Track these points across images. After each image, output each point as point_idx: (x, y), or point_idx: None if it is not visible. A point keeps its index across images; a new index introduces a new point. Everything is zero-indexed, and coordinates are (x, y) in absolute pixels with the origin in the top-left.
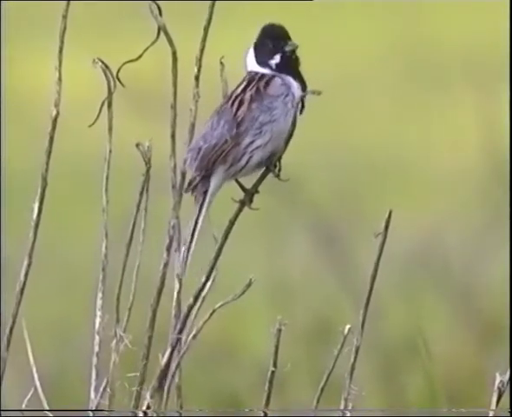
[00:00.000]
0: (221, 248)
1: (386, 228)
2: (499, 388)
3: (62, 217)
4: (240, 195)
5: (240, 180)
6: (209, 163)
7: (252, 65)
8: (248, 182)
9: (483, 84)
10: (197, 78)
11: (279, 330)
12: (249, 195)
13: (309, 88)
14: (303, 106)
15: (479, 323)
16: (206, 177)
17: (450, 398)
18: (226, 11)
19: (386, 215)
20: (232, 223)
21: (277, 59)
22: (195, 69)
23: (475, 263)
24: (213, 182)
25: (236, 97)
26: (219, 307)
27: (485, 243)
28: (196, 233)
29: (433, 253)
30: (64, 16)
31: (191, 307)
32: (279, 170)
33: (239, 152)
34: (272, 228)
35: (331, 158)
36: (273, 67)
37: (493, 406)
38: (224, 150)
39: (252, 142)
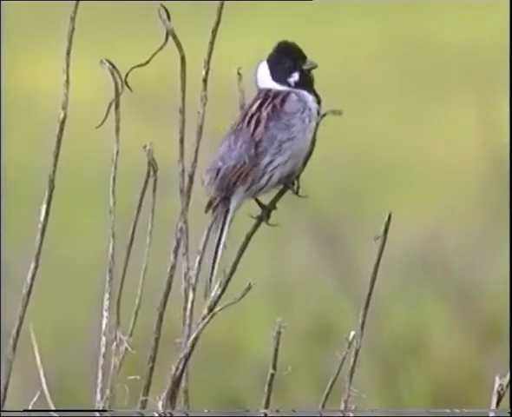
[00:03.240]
0: (237, 262)
1: (386, 231)
2: (498, 392)
3: (67, 219)
4: (257, 210)
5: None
6: (229, 184)
7: (267, 82)
8: (265, 197)
9: (483, 85)
10: (205, 81)
11: (279, 333)
12: (267, 211)
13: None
14: (317, 124)
15: (479, 324)
16: (226, 198)
17: (450, 398)
18: (231, 13)
19: (386, 218)
20: (248, 238)
21: (295, 77)
22: (203, 72)
23: (475, 263)
24: (234, 202)
25: (252, 116)
26: (219, 310)
27: (485, 243)
28: (219, 253)
29: (433, 253)
30: (72, 18)
31: (205, 319)
32: (298, 188)
33: (258, 172)
34: (274, 229)
35: (331, 159)
36: (292, 84)
37: (493, 408)
38: (243, 171)
39: (271, 162)
